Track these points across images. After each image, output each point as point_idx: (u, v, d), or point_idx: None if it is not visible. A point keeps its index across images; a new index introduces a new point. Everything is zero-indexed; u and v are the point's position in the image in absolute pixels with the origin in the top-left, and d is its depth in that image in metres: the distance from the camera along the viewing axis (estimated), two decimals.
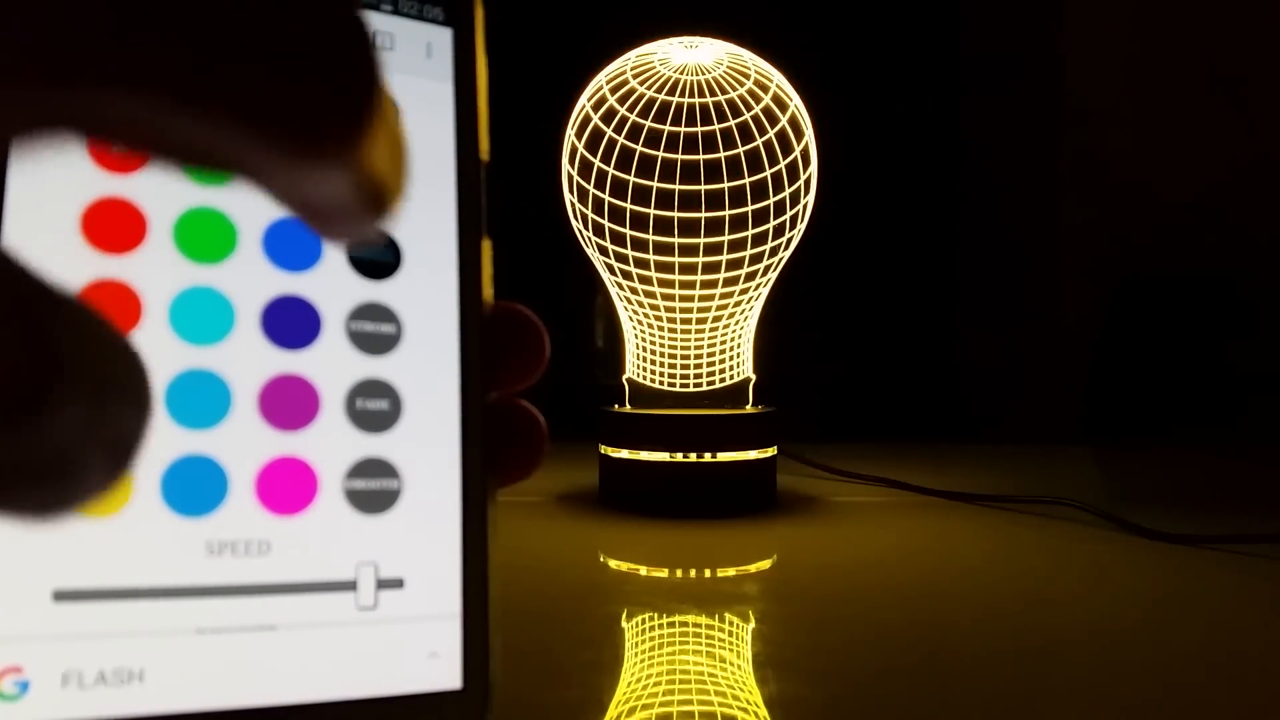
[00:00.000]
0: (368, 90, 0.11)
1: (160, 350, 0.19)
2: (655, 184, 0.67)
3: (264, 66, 0.10)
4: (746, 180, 0.67)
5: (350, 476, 0.20)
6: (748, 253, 0.68)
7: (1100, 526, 0.63)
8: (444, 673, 0.20)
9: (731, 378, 0.72)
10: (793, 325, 0.98)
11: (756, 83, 0.69)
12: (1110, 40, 1.19)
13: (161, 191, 0.19)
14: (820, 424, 1.01)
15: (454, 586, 0.21)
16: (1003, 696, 0.35)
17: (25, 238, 0.18)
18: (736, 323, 0.71)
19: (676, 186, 0.66)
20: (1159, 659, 0.39)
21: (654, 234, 0.67)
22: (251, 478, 0.19)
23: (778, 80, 0.71)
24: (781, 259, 0.70)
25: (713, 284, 0.68)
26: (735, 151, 0.67)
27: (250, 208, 0.19)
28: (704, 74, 0.69)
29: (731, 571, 0.55)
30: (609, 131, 0.68)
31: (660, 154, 0.67)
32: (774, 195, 0.67)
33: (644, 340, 0.73)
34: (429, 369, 0.21)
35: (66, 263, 0.18)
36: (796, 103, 0.70)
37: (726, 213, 0.67)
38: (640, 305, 0.71)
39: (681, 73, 0.69)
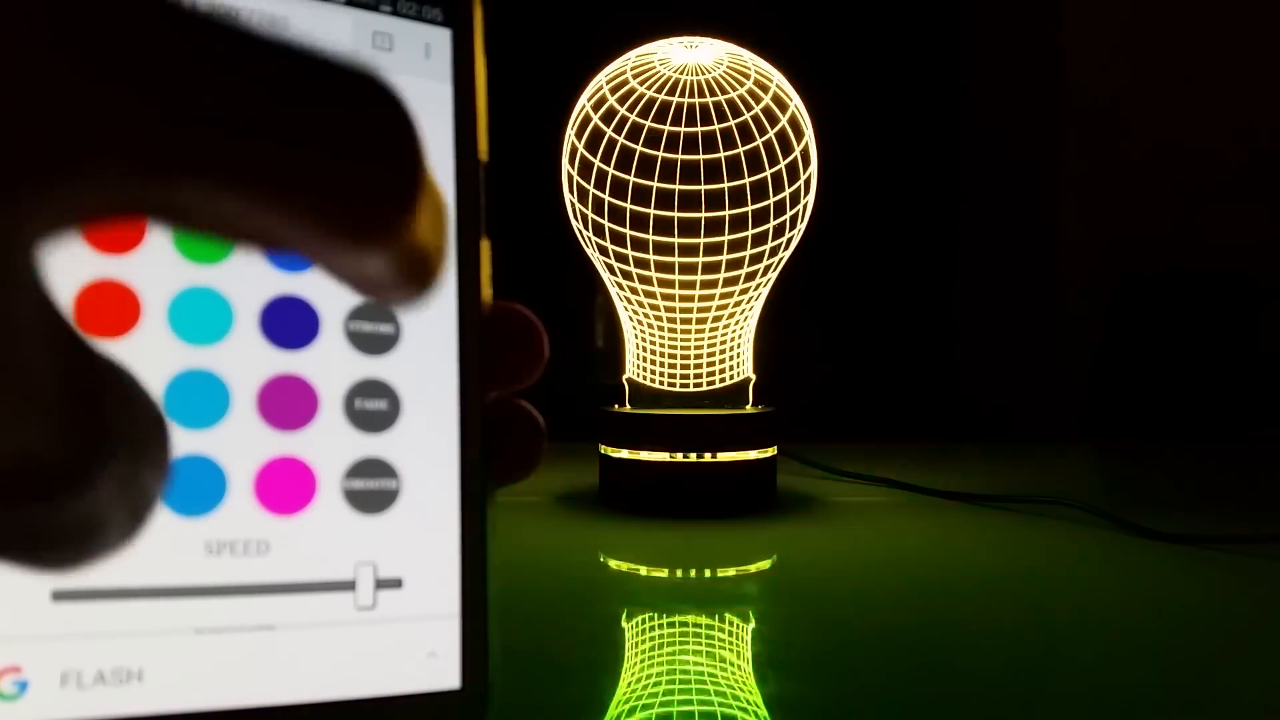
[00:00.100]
0: (413, 179, 0.11)
1: (159, 350, 0.19)
2: (655, 184, 0.67)
3: (321, 159, 0.11)
4: (746, 180, 0.67)
5: (349, 476, 0.20)
6: (748, 253, 0.68)
7: (1100, 526, 0.63)
8: (442, 672, 0.20)
9: (731, 378, 0.72)
10: (793, 325, 0.98)
11: (756, 83, 0.70)
12: (1111, 39, 1.19)
13: None
14: (820, 424, 1.01)
15: (452, 586, 0.21)
16: (1003, 696, 0.35)
17: None
18: (736, 323, 0.71)
19: (676, 186, 0.66)
20: (1159, 659, 0.39)
21: (654, 234, 0.67)
22: (250, 478, 0.19)
23: (778, 80, 0.71)
24: (781, 259, 0.70)
25: (713, 284, 0.68)
26: (735, 151, 0.67)
27: None
28: (704, 74, 0.69)
29: (731, 571, 0.55)
30: (609, 131, 0.68)
31: (660, 154, 0.67)
32: (774, 195, 0.67)
33: (644, 340, 0.73)
34: (428, 369, 0.21)
35: (66, 263, 0.18)
36: (796, 103, 0.70)
37: (726, 213, 0.67)
38: (640, 305, 0.71)
39: (681, 73, 0.69)
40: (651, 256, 0.68)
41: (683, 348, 0.71)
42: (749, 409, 0.72)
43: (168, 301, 0.19)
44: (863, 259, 1.17)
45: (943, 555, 0.58)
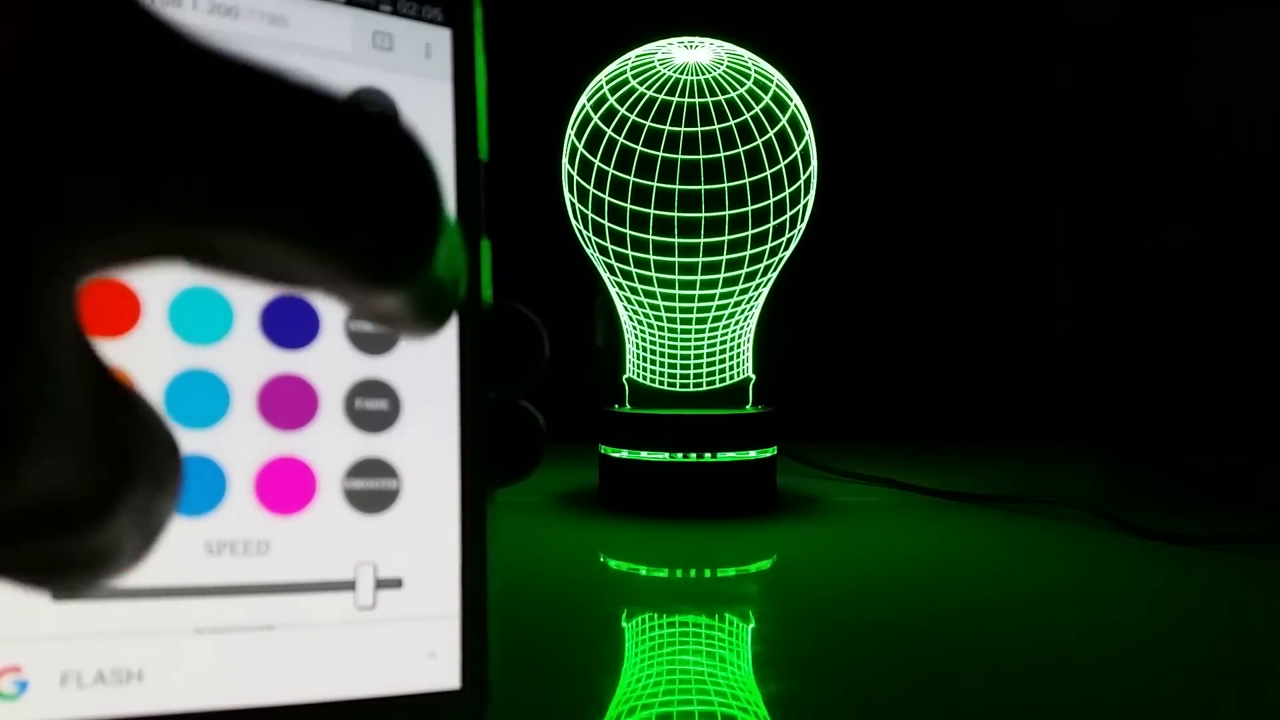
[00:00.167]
0: (433, 226, 0.12)
1: (159, 350, 0.19)
2: (655, 184, 0.67)
3: (343, 206, 0.11)
4: (746, 180, 0.67)
5: (349, 476, 0.20)
6: (748, 253, 0.68)
7: (1100, 526, 0.63)
8: (442, 672, 0.20)
9: (731, 378, 0.72)
10: (793, 325, 0.98)
11: (756, 83, 0.70)
12: (1111, 39, 1.19)
13: None
14: (820, 424, 1.01)
15: (453, 586, 0.21)
16: (1003, 696, 0.35)
17: None
18: (736, 323, 0.71)
19: (676, 186, 0.66)
20: (1159, 659, 0.39)
21: (654, 234, 0.67)
22: (250, 477, 0.19)
23: (778, 80, 0.71)
24: (782, 259, 0.70)
25: (713, 284, 0.68)
26: (735, 151, 0.67)
27: None
28: (704, 74, 0.69)
29: (731, 571, 0.55)
30: (609, 131, 0.68)
31: (660, 154, 0.67)
32: (774, 195, 0.67)
33: (644, 340, 0.73)
34: (428, 369, 0.21)
35: None
36: (796, 103, 0.70)
37: (726, 213, 0.67)
38: (640, 305, 0.71)
39: (681, 73, 0.69)
40: (651, 256, 0.68)
41: (683, 348, 0.71)
42: (749, 409, 0.72)
43: (168, 301, 0.19)
44: (863, 259, 1.17)
45: (943, 555, 0.58)
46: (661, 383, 0.72)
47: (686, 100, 0.68)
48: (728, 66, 0.70)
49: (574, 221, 0.72)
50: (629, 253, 0.68)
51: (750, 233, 0.67)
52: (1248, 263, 1.17)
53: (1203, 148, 1.18)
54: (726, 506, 0.67)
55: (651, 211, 0.67)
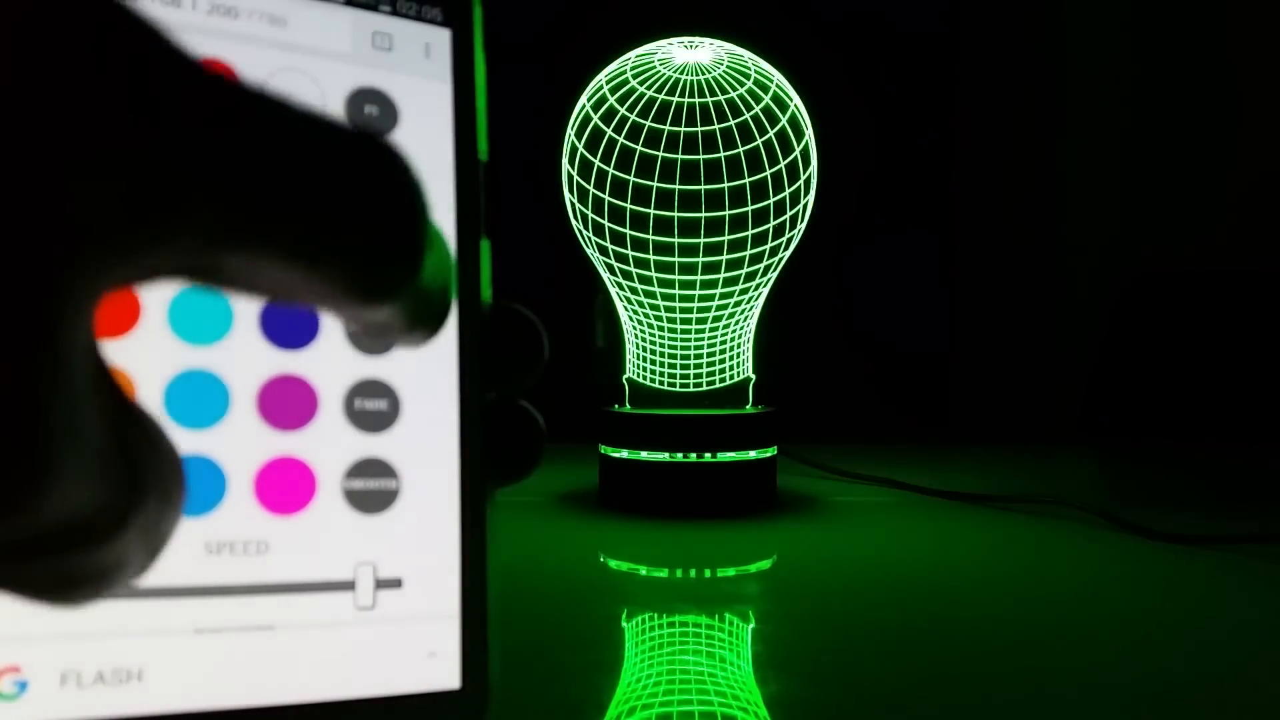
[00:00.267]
0: (417, 240, 0.12)
1: (159, 350, 0.19)
2: (655, 184, 0.67)
3: (335, 224, 0.11)
4: (746, 180, 0.67)
5: (349, 476, 0.20)
6: (748, 253, 0.68)
7: (1100, 526, 0.63)
8: (442, 672, 0.20)
9: (731, 378, 0.72)
10: (793, 325, 0.98)
11: (756, 83, 0.70)
12: (1112, 39, 1.19)
13: None
14: (820, 424, 1.01)
15: (452, 586, 0.21)
16: (1002, 696, 0.35)
17: None
18: (736, 323, 0.71)
19: (676, 186, 0.66)
20: (1159, 659, 0.39)
21: (654, 234, 0.67)
22: (250, 478, 0.19)
23: (778, 80, 0.71)
24: (782, 259, 0.70)
25: (713, 284, 0.68)
26: (735, 151, 0.67)
27: None
28: (704, 74, 0.69)
29: (731, 571, 0.55)
30: (609, 131, 0.68)
31: (660, 154, 0.67)
32: (774, 195, 0.67)
33: (644, 340, 0.73)
34: (428, 369, 0.21)
35: None
36: (796, 103, 0.70)
37: (726, 213, 0.67)
38: (640, 305, 0.71)
39: (681, 73, 0.69)
40: (651, 256, 0.68)
41: (683, 348, 0.71)
42: (749, 409, 0.72)
43: (168, 301, 0.19)
44: (863, 259, 1.17)
45: (943, 555, 0.58)
46: (661, 383, 0.72)
47: (686, 100, 0.68)
48: (728, 66, 0.70)
49: (574, 221, 0.72)
50: (629, 253, 0.68)
51: (750, 233, 0.67)
52: (1248, 263, 1.17)
53: (1203, 148, 1.18)
54: (726, 506, 0.67)
55: (651, 211, 0.67)
